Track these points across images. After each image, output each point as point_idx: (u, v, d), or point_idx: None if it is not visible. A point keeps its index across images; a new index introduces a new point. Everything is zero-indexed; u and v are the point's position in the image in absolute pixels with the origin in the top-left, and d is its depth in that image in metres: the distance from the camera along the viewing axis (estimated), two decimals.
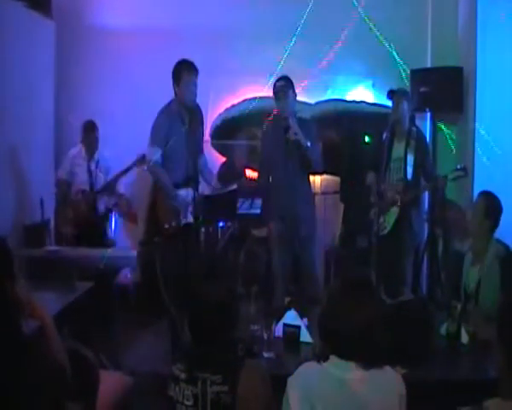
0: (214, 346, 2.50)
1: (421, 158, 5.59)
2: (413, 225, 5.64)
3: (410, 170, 5.55)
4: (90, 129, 6.59)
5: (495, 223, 4.19)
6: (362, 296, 2.38)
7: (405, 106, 5.59)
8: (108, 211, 6.76)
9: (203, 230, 5.20)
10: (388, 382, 2.38)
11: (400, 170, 5.60)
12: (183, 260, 4.88)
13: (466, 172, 5.49)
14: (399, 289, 5.41)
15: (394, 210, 5.57)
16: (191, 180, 5.07)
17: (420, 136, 5.72)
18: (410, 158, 5.55)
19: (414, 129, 5.67)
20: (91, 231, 6.46)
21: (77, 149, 6.64)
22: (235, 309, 2.62)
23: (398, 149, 5.64)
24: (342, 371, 2.33)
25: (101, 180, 6.60)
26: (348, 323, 2.32)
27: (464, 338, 3.56)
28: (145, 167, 6.07)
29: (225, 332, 2.54)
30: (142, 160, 6.20)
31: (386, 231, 5.57)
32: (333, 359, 2.36)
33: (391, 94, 5.67)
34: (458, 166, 5.59)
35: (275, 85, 5.32)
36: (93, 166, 6.59)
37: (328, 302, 2.45)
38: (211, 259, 5.14)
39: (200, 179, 5.28)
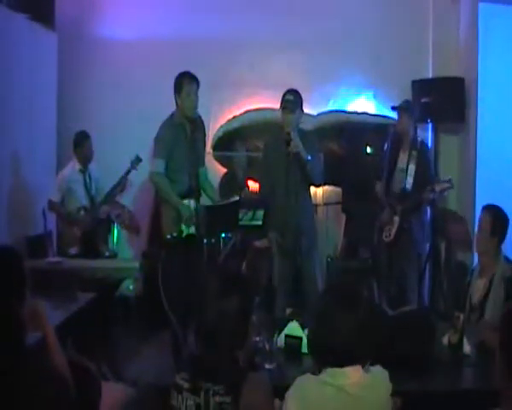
0: (218, 356, 2.49)
1: (423, 169, 5.71)
2: (414, 233, 5.72)
3: (410, 180, 5.68)
4: (82, 139, 6.37)
5: (502, 237, 4.13)
6: (342, 306, 2.38)
7: (409, 118, 5.75)
8: (111, 222, 6.72)
9: (205, 241, 5.18)
10: (381, 380, 2.43)
11: (402, 180, 5.74)
12: (185, 272, 4.87)
13: (451, 185, 5.63)
14: (402, 299, 5.42)
15: (395, 219, 5.70)
16: (193, 191, 5.08)
17: (423, 147, 5.86)
18: (412, 168, 5.69)
19: (418, 139, 5.83)
20: (95, 243, 6.39)
21: (71, 166, 6.40)
22: (241, 321, 2.60)
23: (403, 159, 5.78)
24: (338, 379, 2.35)
25: (96, 192, 6.50)
26: (334, 336, 2.34)
27: (466, 348, 3.55)
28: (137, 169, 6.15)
29: (231, 343, 2.53)
30: (137, 161, 6.22)
31: (388, 240, 5.71)
32: (328, 369, 2.38)
33: (395, 107, 5.84)
34: (445, 179, 5.73)
35: (284, 97, 5.25)
36: (88, 179, 6.40)
37: (314, 321, 2.46)
38: (212, 270, 5.12)
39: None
